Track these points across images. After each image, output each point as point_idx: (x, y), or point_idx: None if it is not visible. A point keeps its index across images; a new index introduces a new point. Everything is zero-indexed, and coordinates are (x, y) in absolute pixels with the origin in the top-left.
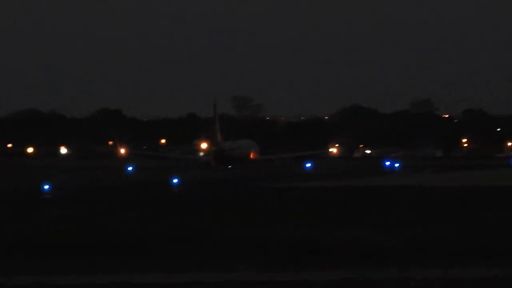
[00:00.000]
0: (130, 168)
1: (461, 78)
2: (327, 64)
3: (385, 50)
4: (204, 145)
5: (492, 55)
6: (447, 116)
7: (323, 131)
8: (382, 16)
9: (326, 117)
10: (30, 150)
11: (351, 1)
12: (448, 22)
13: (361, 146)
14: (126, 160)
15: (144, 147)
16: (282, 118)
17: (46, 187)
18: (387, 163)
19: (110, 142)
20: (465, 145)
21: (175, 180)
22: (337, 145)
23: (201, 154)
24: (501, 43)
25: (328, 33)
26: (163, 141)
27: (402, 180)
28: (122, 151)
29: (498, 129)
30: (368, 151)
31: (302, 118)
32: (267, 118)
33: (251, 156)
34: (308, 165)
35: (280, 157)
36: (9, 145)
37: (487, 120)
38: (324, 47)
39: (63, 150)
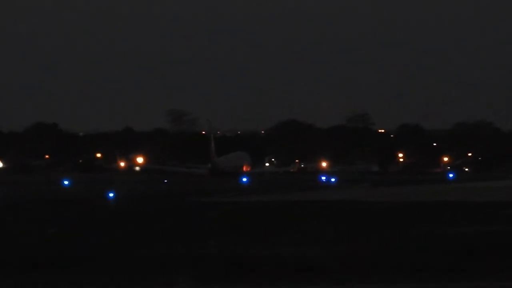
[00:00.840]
0: (66, 182)
1: (397, 93)
2: (264, 79)
3: (321, 65)
4: (140, 160)
5: (426, 72)
6: (383, 130)
7: (259, 146)
8: (317, 32)
9: (263, 131)
10: None
11: (273, 19)
12: (382, 37)
13: (297, 161)
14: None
15: (80, 161)
16: (218, 132)
17: None
18: (323, 177)
19: (46, 156)
20: (401, 160)
21: (110, 194)
22: (273, 159)
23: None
24: (433, 60)
25: (265, 46)
26: (98, 155)
27: (338, 195)
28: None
29: (434, 144)
30: (303, 166)
31: (238, 132)
32: (203, 132)
33: (244, 169)
34: (245, 179)
35: (270, 171)
36: None
37: (423, 135)
38: (262, 61)
39: None
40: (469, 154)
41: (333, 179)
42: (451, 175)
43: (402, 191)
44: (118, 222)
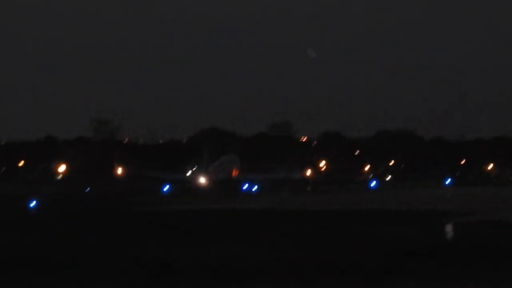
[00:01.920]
0: None
1: (318, 101)
2: (188, 86)
3: (240, 74)
4: (62, 168)
5: (349, 79)
6: (305, 139)
7: (181, 154)
8: (236, 42)
9: (184, 140)
10: None
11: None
12: (301, 48)
13: None
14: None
15: (2, 169)
16: (140, 140)
17: None
18: (245, 185)
19: None
20: (324, 168)
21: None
22: (194, 168)
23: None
24: (354, 65)
25: (188, 54)
26: (20, 164)
27: (260, 203)
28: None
29: (356, 152)
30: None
31: (160, 140)
32: (125, 140)
33: (233, 174)
34: (166, 187)
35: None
36: None
37: (345, 143)
38: (187, 69)
39: None
40: (391, 162)
41: (254, 187)
42: (373, 183)
43: (323, 199)
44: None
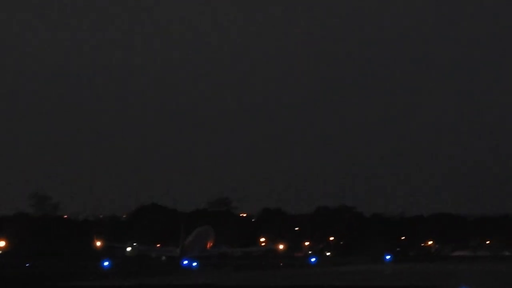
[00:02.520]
0: None
1: (261, 177)
2: (125, 163)
3: (182, 151)
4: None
5: (289, 156)
6: (245, 214)
7: (121, 230)
8: (171, 118)
9: (124, 216)
10: None
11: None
12: (233, 118)
13: (158, 245)
14: None
15: None
16: (80, 216)
17: None
18: (185, 262)
19: None
20: (263, 244)
21: None
22: (134, 244)
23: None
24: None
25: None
26: None
27: (199, 279)
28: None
29: (296, 228)
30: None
31: (100, 216)
32: (65, 216)
33: (208, 246)
34: (106, 263)
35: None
36: None
37: (285, 219)
38: (125, 145)
39: None
40: (331, 238)
41: (194, 263)
42: (312, 259)
43: (263, 276)
44: None
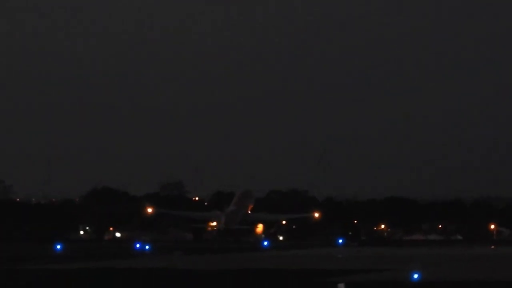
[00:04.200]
0: None
1: (211, 160)
2: (80, 144)
3: (134, 133)
4: None
5: (242, 138)
6: (197, 198)
7: (73, 213)
8: (130, 101)
9: (77, 199)
10: None
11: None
12: (194, 107)
13: (111, 228)
14: None
15: None
16: (33, 200)
17: None
18: (138, 245)
19: None
20: (215, 228)
21: None
22: (87, 227)
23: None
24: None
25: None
26: None
27: (151, 263)
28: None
29: (249, 212)
30: (118, 234)
31: (53, 199)
32: (17, 199)
33: (249, 209)
34: (58, 246)
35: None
36: None
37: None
38: (80, 126)
39: None
40: (283, 222)
41: (147, 247)
42: (265, 243)
43: (215, 259)
44: None
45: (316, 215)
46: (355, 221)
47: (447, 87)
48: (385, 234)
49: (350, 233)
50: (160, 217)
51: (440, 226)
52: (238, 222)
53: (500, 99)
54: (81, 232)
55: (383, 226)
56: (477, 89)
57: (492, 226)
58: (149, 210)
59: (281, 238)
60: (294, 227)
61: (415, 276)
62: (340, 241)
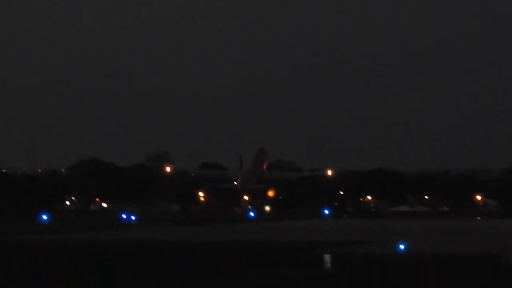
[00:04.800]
0: None
1: (195, 133)
2: (67, 116)
3: (121, 105)
4: None
5: (229, 110)
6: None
7: (60, 184)
8: (116, 77)
9: (63, 170)
10: None
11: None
12: (184, 79)
13: (97, 199)
14: None
15: None
16: (19, 171)
17: None
18: (124, 216)
19: None
20: (202, 199)
21: None
22: (73, 198)
23: None
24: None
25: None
26: None
27: (137, 234)
28: None
29: (236, 183)
30: (104, 205)
31: (39, 170)
32: (4, 170)
33: (264, 167)
34: (45, 217)
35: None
36: None
37: (224, 174)
38: (63, 98)
39: None
40: (270, 193)
41: (133, 218)
42: (251, 214)
43: (202, 231)
44: None
45: (329, 172)
46: (341, 193)
47: (430, 68)
48: (372, 205)
49: (336, 204)
50: (147, 187)
51: (426, 197)
52: (255, 181)
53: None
54: (67, 203)
55: (369, 197)
56: (458, 68)
57: (478, 198)
58: (168, 169)
59: (267, 208)
60: (280, 198)
61: (401, 247)
62: (326, 212)
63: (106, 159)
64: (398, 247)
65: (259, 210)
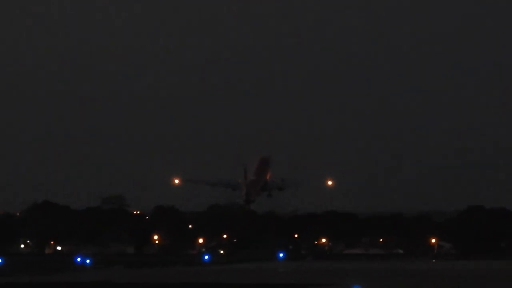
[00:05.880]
0: None
1: (148, 176)
2: (20, 159)
3: (74, 147)
4: None
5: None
6: (138, 212)
7: (15, 227)
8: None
9: (18, 213)
10: None
11: None
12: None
13: (52, 242)
14: None
15: None
16: None
17: None
18: (78, 259)
19: None
20: (157, 241)
21: None
22: (28, 241)
23: None
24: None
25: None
26: None
27: (90, 277)
28: None
29: (190, 226)
30: (59, 248)
31: None
32: None
33: (267, 177)
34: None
35: None
36: None
37: (178, 217)
38: (18, 141)
39: None
40: (224, 236)
41: (88, 261)
42: (206, 257)
43: (156, 273)
44: None
45: (330, 183)
46: (296, 235)
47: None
48: (326, 248)
49: (290, 247)
50: (102, 230)
51: (381, 240)
52: (258, 192)
53: (439, 113)
54: (22, 246)
55: (323, 240)
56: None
57: (433, 241)
58: (176, 181)
59: (221, 252)
60: (235, 240)
61: None
62: (281, 255)
63: (60, 201)
64: None
65: (214, 252)
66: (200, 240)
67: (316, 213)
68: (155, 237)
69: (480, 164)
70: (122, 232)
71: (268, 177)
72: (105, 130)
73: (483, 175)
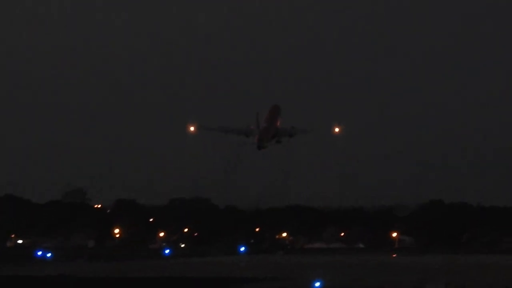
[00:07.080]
0: None
1: (112, 168)
2: None
3: (34, 139)
4: None
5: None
6: (99, 206)
7: None
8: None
9: None
10: None
11: None
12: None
13: (12, 236)
14: None
15: None
16: None
17: None
18: (39, 252)
19: None
20: (118, 235)
21: None
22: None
23: None
24: None
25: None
26: None
27: (50, 270)
28: None
29: (151, 219)
30: (20, 241)
31: None
32: None
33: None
34: None
35: None
36: None
37: (139, 210)
38: None
39: None
40: (185, 230)
41: (48, 254)
42: (167, 251)
43: (118, 266)
44: None
45: (337, 129)
46: (257, 229)
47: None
48: (287, 242)
49: (252, 241)
50: (63, 222)
51: (342, 234)
52: (270, 138)
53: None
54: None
55: (285, 234)
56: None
57: (394, 234)
58: (191, 128)
59: (182, 245)
60: (196, 234)
61: (316, 284)
62: (242, 248)
63: (22, 195)
64: (313, 283)
65: (175, 246)
66: (161, 234)
67: (278, 207)
68: (116, 230)
69: (443, 159)
70: (83, 225)
71: (278, 124)
72: (66, 122)
73: (445, 170)
